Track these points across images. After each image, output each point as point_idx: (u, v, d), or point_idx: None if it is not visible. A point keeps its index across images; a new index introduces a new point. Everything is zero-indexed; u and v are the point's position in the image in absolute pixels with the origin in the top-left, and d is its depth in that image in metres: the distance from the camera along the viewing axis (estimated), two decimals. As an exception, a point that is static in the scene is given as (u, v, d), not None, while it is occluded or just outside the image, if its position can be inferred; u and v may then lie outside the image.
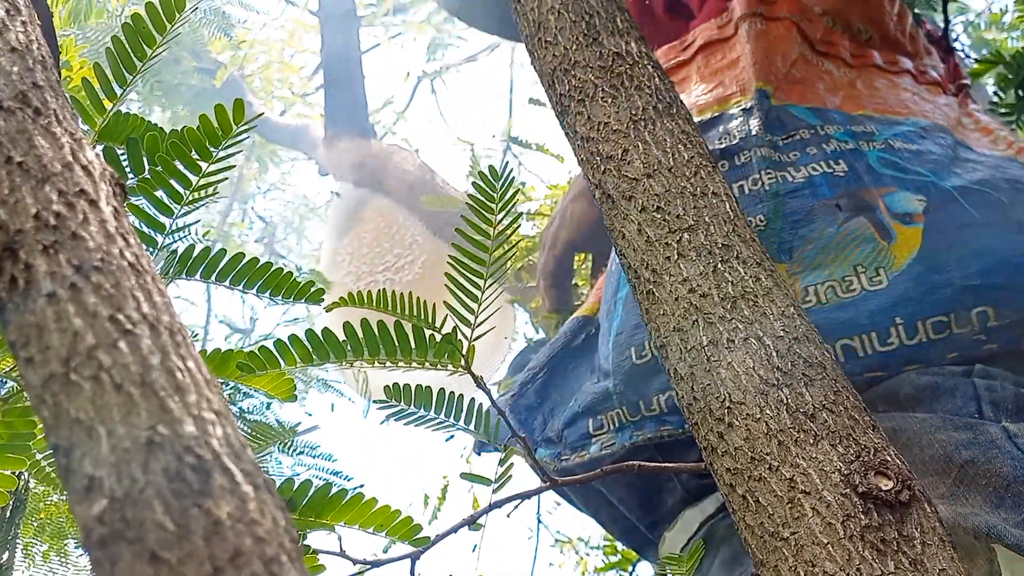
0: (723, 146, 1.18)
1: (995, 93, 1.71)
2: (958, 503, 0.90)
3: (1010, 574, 0.89)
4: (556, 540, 3.73)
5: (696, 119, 1.21)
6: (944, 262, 1.02)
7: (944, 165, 1.15)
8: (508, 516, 0.96)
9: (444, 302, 0.92)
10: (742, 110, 1.22)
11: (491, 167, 0.91)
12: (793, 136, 1.18)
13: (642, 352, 1.13)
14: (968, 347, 1.00)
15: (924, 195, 1.08)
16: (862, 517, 0.63)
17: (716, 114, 1.24)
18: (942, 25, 1.66)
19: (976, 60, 1.67)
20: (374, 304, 0.88)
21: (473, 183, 0.92)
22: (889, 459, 0.66)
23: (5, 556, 1.80)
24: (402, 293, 0.89)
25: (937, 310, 1.00)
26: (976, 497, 0.90)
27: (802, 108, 1.23)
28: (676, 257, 0.78)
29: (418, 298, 0.88)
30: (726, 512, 1.22)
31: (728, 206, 0.81)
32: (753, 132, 1.17)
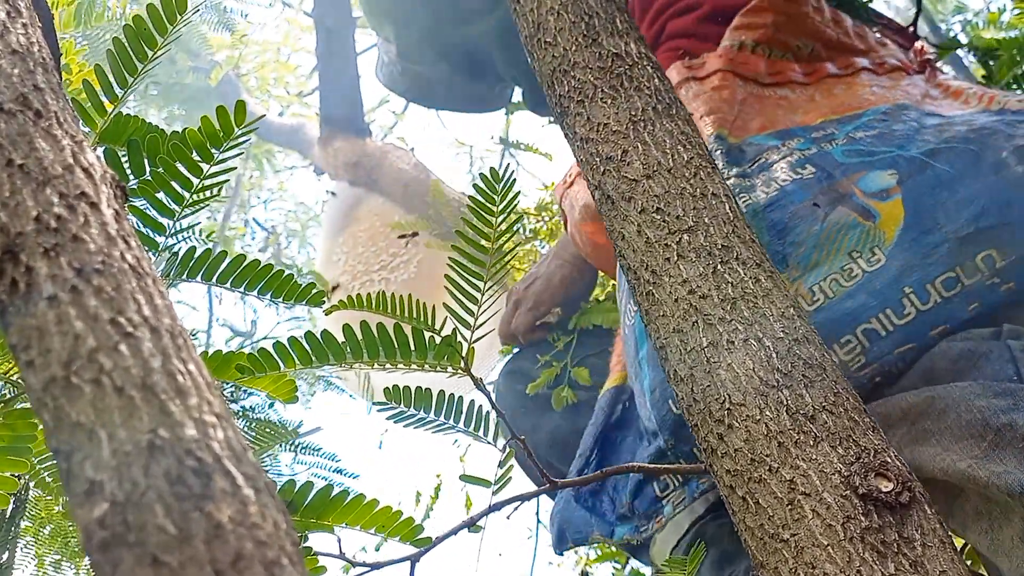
0: None
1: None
2: (991, 462, 0.88)
3: None
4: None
5: None
6: (933, 221, 1.03)
7: (909, 137, 1.16)
8: (508, 518, 0.96)
9: (443, 304, 0.92)
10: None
11: (492, 169, 0.91)
12: (758, 160, 1.19)
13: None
14: (986, 294, 1.00)
15: (894, 168, 1.09)
16: (862, 519, 0.63)
17: None
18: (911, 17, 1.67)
19: (935, 46, 1.68)
20: (374, 306, 0.88)
21: (474, 185, 0.92)
22: (889, 461, 0.66)
23: (5, 556, 1.80)
24: (401, 296, 0.89)
25: (942, 268, 1.01)
26: (1010, 458, 0.89)
27: (762, 136, 1.25)
28: (676, 258, 0.78)
29: (417, 300, 0.88)
30: (716, 513, 1.22)
31: (728, 207, 0.81)
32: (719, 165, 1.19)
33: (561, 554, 1.35)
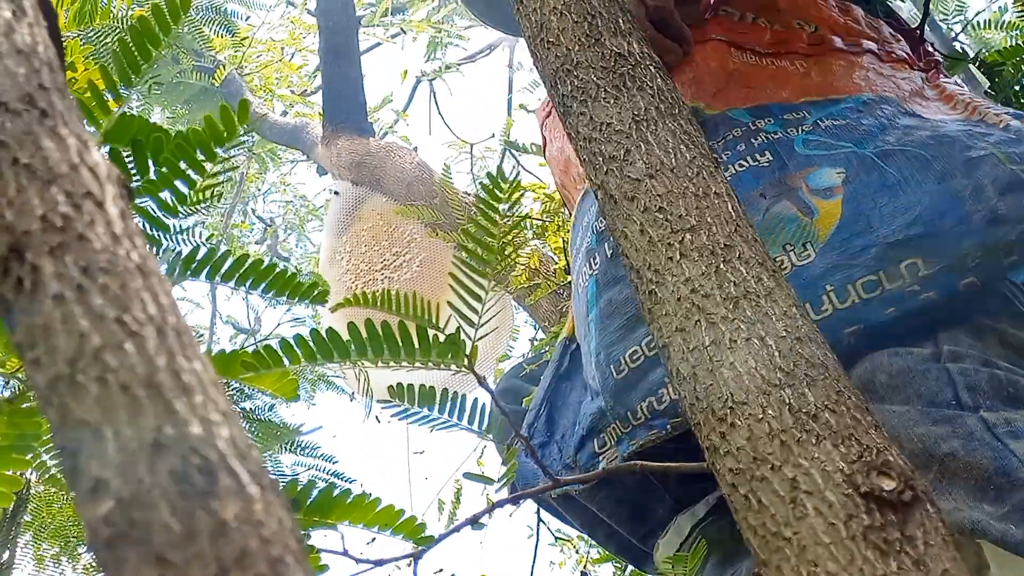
0: None
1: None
2: (941, 498, 0.90)
3: (997, 567, 0.89)
4: (556, 539, 3.73)
5: None
6: (867, 225, 1.05)
7: (872, 134, 1.17)
8: (511, 516, 0.96)
9: (447, 302, 0.92)
10: None
11: (499, 169, 0.91)
12: (725, 138, 1.22)
13: (620, 367, 1.16)
14: (905, 300, 1.01)
15: (844, 167, 1.11)
16: (864, 517, 0.63)
17: None
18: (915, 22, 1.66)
19: (945, 56, 1.67)
20: (378, 305, 0.89)
21: (480, 184, 0.92)
22: (891, 459, 0.67)
23: (6, 555, 1.81)
24: (406, 294, 0.89)
25: (865, 271, 1.03)
26: (959, 491, 0.91)
27: (739, 110, 1.27)
28: (678, 257, 0.78)
29: (421, 298, 0.88)
30: (717, 515, 1.23)
31: (730, 206, 0.81)
32: None
33: (516, 504, 1.36)
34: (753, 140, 1.20)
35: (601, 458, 1.21)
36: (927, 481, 0.91)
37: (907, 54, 1.43)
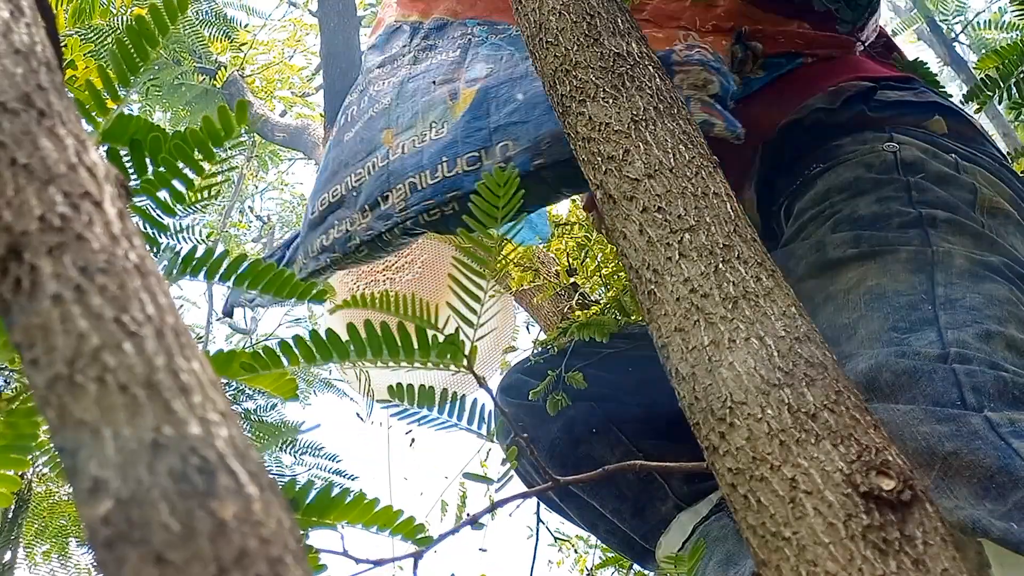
0: (390, 54, 1.48)
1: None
2: (943, 496, 0.90)
3: (998, 566, 0.89)
4: (555, 539, 3.73)
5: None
6: (487, 111, 1.24)
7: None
8: (510, 515, 0.96)
9: (446, 303, 0.92)
10: (415, 26, 1.51)
11: (497, 169, 0.91)
12: (445, 36, 1.44)
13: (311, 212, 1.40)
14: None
15: (494, 64, 1.31)
16: (864, 517, 0.63)
17: (396, 24, 1.55)
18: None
19: (966, 97, 1.64)
20: (377, 305, 0.89)
21: (478, 185, 0.92)
22: (891, 459, 0.67)
23: (8, 556, 1.80)
24: (404, 295, 0.89)
25: (473, 147, 1.22)
26: (961, 489, 0.91)
27: (472, 20, 1.47)
28: (677, 257, 0.78)
29: (420, 299, 0.88)
30: (719, 514, 1.23)
31: (729, 206, 0.81)
32: (414, 41, 1.46)
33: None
34: (460, 40, 1.42)
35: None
36: (929, 479, 0.91)
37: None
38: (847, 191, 1.27)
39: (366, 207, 1.29)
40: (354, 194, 1.31)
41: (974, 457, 0.92)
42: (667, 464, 1.01)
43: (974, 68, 1.65)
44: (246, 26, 4.15)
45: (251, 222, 5.33)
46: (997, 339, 1.05)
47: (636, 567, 2.53)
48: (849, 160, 1.31)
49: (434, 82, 1.34)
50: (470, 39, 1.41)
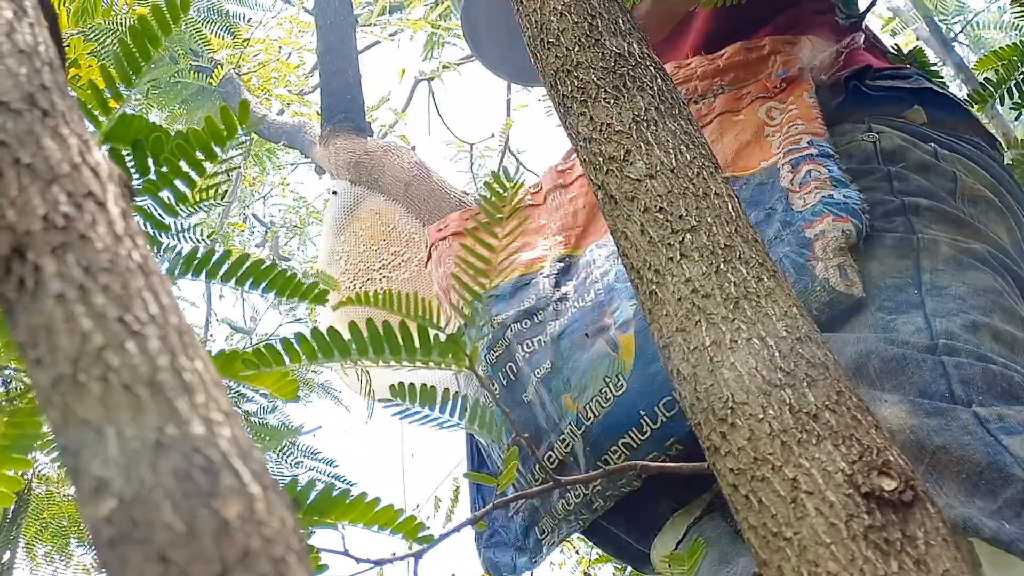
0: (526, 307, 1.38)
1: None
2: (933, 494, 0.90)
3: (989, 565, 0.89)
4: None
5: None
6: (654, 352, 1.16)
7: None
8: (511, 516, 0.96)
9: (449, 301, 0.92)
10: (544, 275, 1.41)
11: (504, 169, 0.91)
12: (573, 277, 1.36)
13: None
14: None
15: (634, 299, 1.23)
16: (865, 517, 0.64)
17: (525, 277, 1.44)
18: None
19: (970, 97, 1.64)
20: (379, 304, 0.89)
21: (484, 183, 0.92)
22: (892, 459, 0.67)
23: (7, 556, 1.80)
24: (407, 293, 0.89)
25: (663, 394, 1.17)
26: (951, 485, 0.91)
27: (591, 247, 1.39)
28: (679, 258, 0.78)
29: (423, 298, 0.88)
30: (712, 514, 1.23)
31: (730, 206, 0.81)
32: (546, 291, 1.37)
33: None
34: (587, 279, 1.34)
35: (544, 543, 1.35)
36: (918, 474, 0.91)
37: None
38: None
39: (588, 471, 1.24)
40: (571, 458, 1.27)
41: (963, 453, 0.92)
42: (668, 465, 1.01)
43: (973, 68, 1.65)
44: (248, 20, 4.15)
45: (253, 227, 5.33)
46: (984, 330, 1.05)
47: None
48: None
49: (586, 335, 1.27)
50: (596, 272, 1.33)
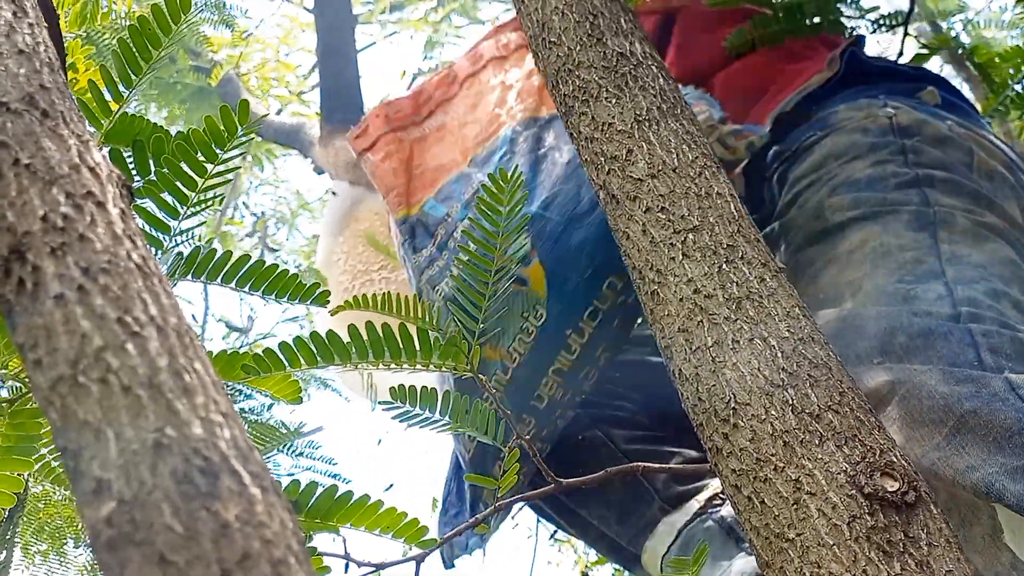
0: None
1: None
2: (955, 455, 0.89)
3: (1011, 532, 0.88)
4: (554, 539, 3.73)
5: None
6: (564, 272, 1.19)
7: (531, 185, 1.27)
8: (512, 518, 0.96)
9: (447, 304, 0.91)
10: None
11: (501, 170, 0.91)
12: (437, 238, 1.32)
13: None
14: (621, 310, 1.19)
15: (526, 231, 1.20)
16: (868, 518, 0.63)
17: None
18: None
19: (925, 45, 1.65)
20: (379, 307, 0.88)
21: (482, 185, 0.92)
22: (895, 460, 0.66)
23: (3, 556, 1.80)
24: (406, 296, 0.89)
25: (583, 305, 1.19)
26: (973, 447, 0.90)
27: (432, 202, 1.36)
28: (681, 258, 0.77)
29: (423, 300, 0.88)
30: (704, 516, 1.23)
31: (732, 207, 0.81)
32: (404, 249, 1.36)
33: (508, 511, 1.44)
34: (455, 235, 1.29)
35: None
36: (940, 436, 0.91)
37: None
38: (843, 157, 1.27)
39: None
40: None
41: (993, 417, 0.91)
42: (669, 466, 1.01)
43: (972, 58, 1.64)
44: (245, 11, 4.14)
45: (243, 218, 5.32)
46: (1004, 299, 1.05)
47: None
48: (845, 127, 1.31)
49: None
50: (455, 225, 1.30)
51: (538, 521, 3.35)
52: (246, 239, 5.24)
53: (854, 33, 1.46)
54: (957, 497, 0.91)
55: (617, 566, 2.76)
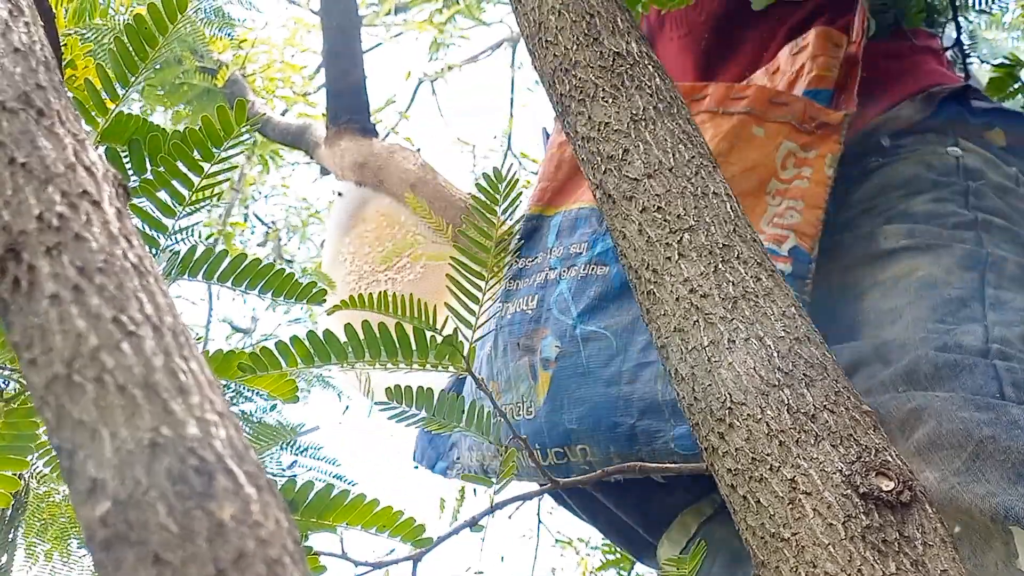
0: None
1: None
2: (973, 480, 0.90)
3: None
4: (556, 541, 3.73)
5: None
6: (560, 403, 1.20)
7: (580, 299, 1.25)
8: (510, 517, 0.96)
9: (445, 303, 0.92)
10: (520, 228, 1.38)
11: (496, 169, 0.91)
12: (532, 261, 1.32)
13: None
14: (583, 470, 1.18)
15: (560, 341, 1.24)
16: (863, 518, 0.63)
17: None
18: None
19: (994, 66, 1.63)
20: (376, 306, 0.88)
21: (476, 185, 0.92)
22: (890, 459, 0.66)
23: (4, 558, 1.80)
24: (403, 295, 0.89)
25: (557, 443, 1.19)
26: (992, 472, 0.91)
27: (558, 216, 1.34)
28: (677, 257, 0.78)
29: (419, 300, 0.88)
30: (724, 514, 1.22)
31: (728, 206, 0.81)
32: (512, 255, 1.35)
33: (416, 467, 1.49)
34: (536, 276, 1.30)
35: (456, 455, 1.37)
36: (960, 461, 0.91)
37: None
38: (904, 188, 1.27)
39: (493, 455, 1.25)
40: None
41: (1012, 443, 0.92)
42: (667, 466, 1.01)
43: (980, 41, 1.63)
44: (244, 21, 4.14)
45: (253, 227, 5.32)
46: None
47: (636, 568, 2.52)
48: (910, 158, 1.31)
49: (518, 344, 1.26)
50: (547, 277, 1.29)
51: (539, 522, 3.35)
52: (258, 250, 5.24)
53: (965, 80, 1.46)
54: (968, 526, 0.92)
55: (622, 572, 2.76)
